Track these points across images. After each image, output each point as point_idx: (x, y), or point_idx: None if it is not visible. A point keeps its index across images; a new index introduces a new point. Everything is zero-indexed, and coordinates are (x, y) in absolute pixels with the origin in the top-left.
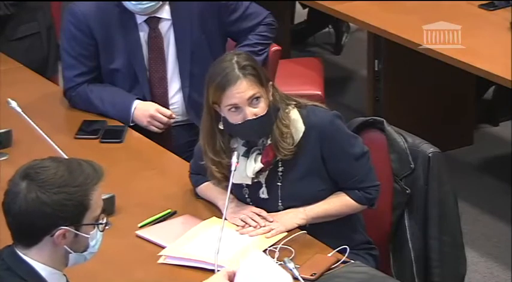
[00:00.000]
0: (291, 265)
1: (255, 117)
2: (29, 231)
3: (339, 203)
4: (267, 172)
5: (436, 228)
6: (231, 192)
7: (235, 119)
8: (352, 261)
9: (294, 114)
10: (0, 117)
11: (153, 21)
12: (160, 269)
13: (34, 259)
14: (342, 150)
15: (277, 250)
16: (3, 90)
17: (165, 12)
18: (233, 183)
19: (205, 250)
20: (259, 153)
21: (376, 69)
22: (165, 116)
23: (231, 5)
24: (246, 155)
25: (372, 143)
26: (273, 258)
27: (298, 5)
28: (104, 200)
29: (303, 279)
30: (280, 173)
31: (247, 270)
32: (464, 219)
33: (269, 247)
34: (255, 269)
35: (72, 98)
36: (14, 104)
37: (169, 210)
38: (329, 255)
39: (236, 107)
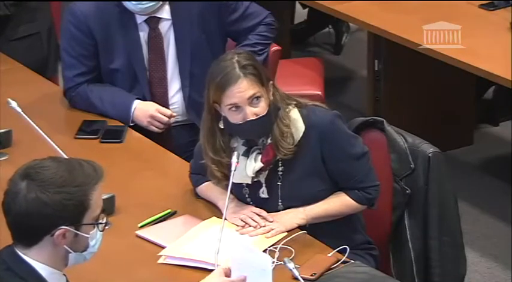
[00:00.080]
0: (291, 265)
1: (255, 117)
2: (29, 231)
3: (339, 203)
4: (267, 172)
5: (436, 228)
6: (231, 192)
7: (235, 118)
8: (352, 261)
9: (294, 114)
10: (0, 117)
11: (153, 21)
12: (160, 269)
13: (34, 259)
14: (342, 150)
15: (277, 250)
16: (3, 90)
17: (165, 12)
18: (233, 183)
19: (205, 250)
20: (259, 153)
21: (376, 69)
22: (166, 116)
23: (231, 5)
24: (246, 154)
25: (372, 143)
26: (273, 258)
27: (298, 5)
28: (104, 200)
29: (303, 279)
30: (280, 173)
31: (236, 262)
32: (464, 219)
33: (269, 247)
34: (241, 258)
35: (72, 98)
36: (14, 104)
37: (169, 210)
38: (329, 255)
39: (236, 107)
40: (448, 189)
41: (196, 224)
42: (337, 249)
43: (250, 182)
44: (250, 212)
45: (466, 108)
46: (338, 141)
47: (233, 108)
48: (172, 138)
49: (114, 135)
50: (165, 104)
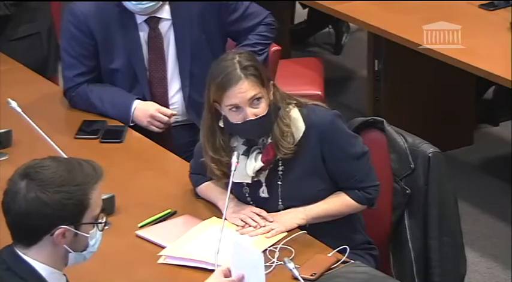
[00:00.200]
0: (291, 265)
1: (255, 117)
2: (29, 231)
3: (339, 202)
4: (267, 171)
5: (436, 228)
6: (231, 191)
7: (235, 118)
8: (352, 261)
9: (295, 113)
10: (0, 117)
11: (153, 21)
12: (160, 269)
13: (34, 259)
14: (342, 149)
15: (277, 250)
16: (3, 90)
17: (165, 12)
18: (233, 182)
19: (205, 250)
20: (259, 152)
21: (376, 69)
22: (166, 116)
23: (231, 5)
24: (246, 153)
25: (372, 143)
26: (273, 258)
27: (298, 5)
28: (104, 200)
29: (303, 279)
30: (280, 172)
31: (235, 260)
32: (464, 219)
33: (269, 247)
34: (236, 255)
35: (72, 98)
36: (14, 104)
37: (169, 210)
38: (329, 255)
39: (237, 107)
40: (448, 189)
41: (196, 224)
42: (337, 249)
43: (250, 182)
44: (250, 212)
45: (466, 108)
46: (338, 141)
47: (233, 109)
48: (172, 138)
49: (114, 135)
50: (165, 104)
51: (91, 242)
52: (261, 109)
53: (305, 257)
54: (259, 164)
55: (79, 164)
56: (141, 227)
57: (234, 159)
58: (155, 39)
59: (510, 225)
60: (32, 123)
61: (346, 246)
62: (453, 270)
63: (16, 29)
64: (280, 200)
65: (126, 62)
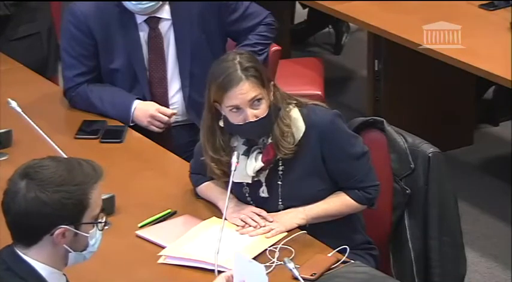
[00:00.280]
0: (291, 265)
1: (255, 118)
2: (29, 231)
3: (339, 202)
4: (267, 171)
5: (436, 228)
6: (231, 191)
7: (236, 119)
8: (352, 261)
9: (295, 113)
10: (0, 117)
11: (153, 21)
12: (160, 269)
13: (34, 258)
14: (342, 149)
15: (277, 250)
16: (3, 90)
17: (165, 12)
18: (233, 182)
19: (205, 250)
20: (259, 152)
21: (376, 69)
22: (166, 115)
23: (231, 5)
24: (247, 153)
25: (372, 143)
26: (273, 258)
27: (298, 5)
28: (103, 200)
29: (303, 279)
30: (280, 172)
31: (237, 268)
32: (464, 219)
33: (269, 247)
34: (240, 266)
35: (72, 98)
36: (14, 104)
37: (169, 210)
38: (329, 255)
39: (237, 108)
40: (448, 189)
41: (196, 224)
42: (337, 249)
43: (250, 182)
44: (250, 212)
45: (466, 108)
46: (338, 141)
47: (234, 110)
48: (172, 138)
49: (114, 135)
50: (165, 104)
51: (91, 242)
52: (262, 110)
53: (305, 257)
54: (259, 164)
55: (79, 163)
56: (141, 227)
57: (234, 159)
58: (155, 39)
59: (510, 225)
60: (32, 123)
61: (346, 246)
62: (453, 270)
63: (16, 29)
64: (280, 200)
65: (126, 62)
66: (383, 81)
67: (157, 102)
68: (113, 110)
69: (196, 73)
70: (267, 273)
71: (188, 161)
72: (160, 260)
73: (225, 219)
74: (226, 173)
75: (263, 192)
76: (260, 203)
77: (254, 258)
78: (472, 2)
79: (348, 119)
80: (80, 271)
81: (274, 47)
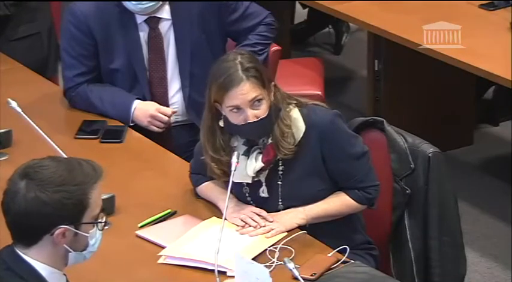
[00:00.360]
0: (291, 265)
1: (255, 119)
2: (29, 231)
3: (339, 202)
4: (267, 171)
5: (436, 228)
6: (231, 191)
7: (236, 119)
8: (352, 261)
9: (295, 113)
10: (0, 117)
11: (153, 21)
12: (160, 269)
13: (34, 258)
14: (342, 149)
15: (277, 250)
16: (3, 90)
17: (165, 12)
18: (233, 182)
19: (205, 250)
20: (259, 152)
21: (376, 69)
22: (166, 115)
23: (231, 5)
24: (247, 154)
25: (372, 143)
26: (273, 258)
27: (298, 5)
28: (103, 200)
29: (303, 279)
30: (280, 172)
31: (239, 272)
32: (464, 219)
33: (269, 247)
34: (242, 269)
35: (72, 98)
36: (14, 104)
37: (169, 210)
38: (329, 255)
39: (238, 108)
40: (448, 189)
41: (196, 224)
42: (337, 249)
43: (250, 182)
44: (250, 212)
45: (466, 108)
46: (338, 141)
47: (234, 110)
48: (172, 138)
49: (114, 135)
50: (165, 104)
51: (91, 242)
52: (262, 111)
53: (305, 257)
54: (259, 164)
55: (79, 163)
56: (141, 227)
57: (234, 159)
58: (155, 39)
59: (510, 225)
60: (32, 123)
61: (346, 246)
62: (453, 270)
63: (16, 29)
64: (280, 200)
65: (126, 62)
66: (383, 81)
67: (157, 102)
68: (113, 110)
69: (196, 73)
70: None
71: (188, 161)
72: (160, 260)
73: (225, 219)
74: (227, 173)
75: (263, 192)
76: (260, 203)
77: (254, 259)
78: (472, 2)
79: (348, 119)
80: (80, 271)
81: (274, 47)
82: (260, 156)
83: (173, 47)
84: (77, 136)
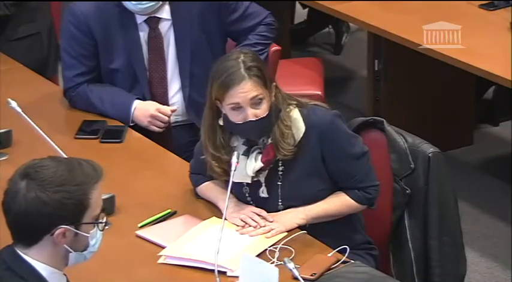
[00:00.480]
0: (291, 265)
1: (255, 118)
2: (29, 231)
3: (339, 202)
4: (266, 171)
5: (436, 228)
6: (231, 191)
7: (236, 118)
8: (352, 261)
9: (295, 114)
10: (0, 117)
11: (153, 21)
12: (160, 269)
13: (34, 258)
14: (342, 149)
15: (277, 250)
16: (3, 90)
17: (165, 12)
18: (233, 182)
19: (205, 250)
20: (259, 152)
21: (376, 69)
22: (166, 115)
23: (231, 5)
24: (246, 153)
25: (372, 143)
26: (273, 258)
27: (298, 5)
28: (104, 200)
29: (303, 279)
30: (280, 173)
31: (244, 273)
32: (464, 219)
33: (269, 247)
34: (249, 269)
35: (72, 98)
36: (14, 104)
37: (169, 210)
38: (329, 255)
39: (238, 107)
40: (448, 189)
41: (196, 224)
42: (337, 249)
43: (250, 182)
44: (250, 212)
45: (466, 108)
46: (338, 141)
47: (234, 108)
48: (172, 138)
49: (114, 135)
50: (165, 104)
51: (91, 242)
52: (262, 110)
53: (305, 257)
54: (259, 164)
55: (79, 163)
56: (141, 227)
57: (234, 160)
58: (155, 39)
59: (510, 225)
60: (32, 123)
61: (346, 246)
62: (453, 270)
63: (16, 29)
64: (280, 200)
65: (126, 62)
66: (383, 81)
67: (157, 102)
68: (112, 110)
69: (196, 73)
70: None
71: (188, 161)
72: (160, 260)
73: (225, 219)
74: (227, 172)
75: (263, 193)
76: (260, 203)
77: None
78: (472, 2)
79: (348, 119)
80: (80, 271)
81: (274, 47)
82: (260, 156)
83: (173, 47)
84: (77, 136)
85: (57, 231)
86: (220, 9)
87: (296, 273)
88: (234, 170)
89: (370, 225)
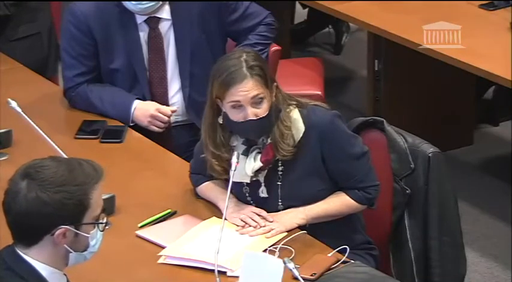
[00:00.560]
0: (291, 265)
1: (256, 117)
2: (29, 231)
3: (339, 202)
4: (266, 171)
5: (436, 228)
6: (231, 191)
7: (236, 117)
8: (352, 261)
9: (295, 114)
10: (0, 117)
11: (153, 21)
12: (160, 269)
13: (34, 258)
14: (341, 150)
15: (277, 250)
16: (3, 90)
17: (165, 12)
18: (233, 182)
19: (205, 250)
20: (259, 152)
21: (376, 69)
22: (166, 115)
23: (231, 5)
24: (246, 153)
25: (372, 143)
26: None
27: (298, 5)
28: (104, 200)
29: (303, 279)
30: (280, 173)
31: (245, 270)
32: (464, 219)
33: (269, 247)
34: (251, 265)
35: (72, 98)
36: (14, 104)
37: (169, 210)
38: (329, 255)
39: (239, 105)
40: (448, 189)
41: (196, 224)
42: (337, 249)
43: (249, 181)
44: (250, 212)
45: (466, 108)
46: (338, 141)
47: (235, 106)
48: (172, 138)
49: (114, 135)
50: (165, 104)
51: (92, 242)
52: (262, 110)
53: (305, 257)
54: (258, 164)
55: (79, 164)
56: (141, 227)
57: (234, 160)
58: (155, 39)
59: (510, 225)
60: (32, 123)
61: (346, 246)
62: (453, 270)
63: (16, 29)
64: (280, 200)
65: (126, 62)
66: (383, 81)
67: (157, 102)
68: (112, 110)
69: (196, 73)
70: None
71: (188, 161)
72: (160, 260)
73: (225, 219)
74: (227, 170)
75: (262, 193)
76: (260, 203)
77: None
78: (472, 2)
79: (348, 119)
80: (80, 271)
81: (274, 47)
82: (259, 156)
83: (173, 47)
84: (77, 136)
85: (58, 232)
86: (220, 9)
87: (296, 273)
88: (234, 170)
89: (370, 225)
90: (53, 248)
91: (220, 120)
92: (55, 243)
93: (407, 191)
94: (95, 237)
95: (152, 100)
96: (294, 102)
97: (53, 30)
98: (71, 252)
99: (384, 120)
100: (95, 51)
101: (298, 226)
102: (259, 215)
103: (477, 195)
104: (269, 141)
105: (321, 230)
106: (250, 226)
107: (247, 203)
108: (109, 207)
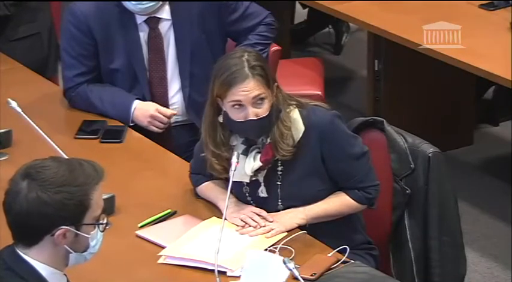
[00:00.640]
0: (291, 265)
1: (256, 117)
2: (30, 231)
3: (338, 202)
4: (265, 171)
5: (436, 228)
6: (231, 191)
7: (237, 116)
8: (352, 261)
9: (295, 115)
10: (0, 117)
11: (153, 21)
12: (160, 269)
13: (34, 259)
14: (341, 150)
15: (277, 250)
16: (3, 90)
17: (165, 12)
18: (233, 182)
19: (205, 250)
20: (258, 152)
21: (376, 69)
22: (166, 116)
23: (231, 5)
24: (245, 153)
25: (372, 143)
26: None
27: (298, 5)
28: (104, 200)
29: (303, 279)
30: (279, 173)
31: (248, 270)
32: (464, 219)
33: (269, 247)
34: (255, 265)
35: (72, 98)
36: (14, 104)
37: (169, 210)
38: (329, 255)
39: (239, 105)
40: (448, 189)
41: (196, 224)
42: (337, 249)
43: (248, 181)
44: (250, 212)
45: (466, 108)
46: (338, 141)
47: (236, 106)
48: (172, 138)
49: (114, 135)
50: (165, 104)
51: (92, 243)
52: (263, 110)
53: (305, 257)
54: (257, 163)
55: (80, 164)
56: (141, 227)
57: (234, 159)
58: (155, 39)
59: (510, 225)
60: (32, 123)
61: (346, 246)
62: (453, 270)
63: (16, 29)
64: (279, 200)
65: (126, 62)
66: (383, 81)
67: (157, 103)
68: (112, 110)
69: (196, 73)
70: None
71: (188, 161)
72: (160, 260)
73: (225, 219)
74: (226, 169)
75: (262, 192)
76: (260, 203)
77: None
78: (472, 2)
79: (348, 119)
80: (80, 271)
81: (274, 47)
82: (259, 156)
83: (173, 47)
84: (77, 136)
85: (58, 232)
86: (220, 9)
87: (296, 273)
88: (234, 170)
89: (370, 225)
90: (53, 248)
91: (221, 119)
92: (55, 244)
93: (407, 191)
94: (95, 238)
95: (152, 100)
96: (294, 103)
97: (53, 30)
98: (71, 253)
99: (384, 120)
100: (95, 51)
101: (298, 226)
102: (259, 215)
103: (477, 195)
104: (269, 141)
105: (321, 230)
106: (250, 226)
107: (247, 203)
108: (109, 207)
